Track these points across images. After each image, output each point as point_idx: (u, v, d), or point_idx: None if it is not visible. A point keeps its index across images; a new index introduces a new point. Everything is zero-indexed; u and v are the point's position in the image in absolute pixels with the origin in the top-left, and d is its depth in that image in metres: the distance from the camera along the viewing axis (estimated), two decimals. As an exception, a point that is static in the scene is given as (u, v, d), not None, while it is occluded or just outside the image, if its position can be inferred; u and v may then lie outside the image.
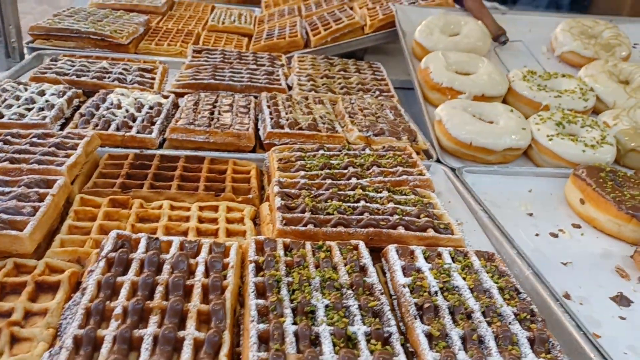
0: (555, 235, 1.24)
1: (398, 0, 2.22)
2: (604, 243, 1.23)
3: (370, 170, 1.24)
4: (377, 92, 1.77)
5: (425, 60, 1.73)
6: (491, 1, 4.41)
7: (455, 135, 1.49)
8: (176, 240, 0.91)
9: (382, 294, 0.84)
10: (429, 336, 0.77)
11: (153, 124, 1.41)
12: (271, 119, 1.47)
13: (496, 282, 0.89)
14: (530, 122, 1.56)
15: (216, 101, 1.56)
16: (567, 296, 1.03)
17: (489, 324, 0.80)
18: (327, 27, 2.17)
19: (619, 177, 1.35)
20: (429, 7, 2.07)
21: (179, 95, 1.65)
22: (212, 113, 1.47)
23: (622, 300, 1.03)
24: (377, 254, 0.99)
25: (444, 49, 1.78)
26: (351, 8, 2.38)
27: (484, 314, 0.82)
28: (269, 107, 1.55)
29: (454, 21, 1.90)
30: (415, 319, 0.79)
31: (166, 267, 0.84)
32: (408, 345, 0.78)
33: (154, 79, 1.71)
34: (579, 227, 1.29)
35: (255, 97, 1.66)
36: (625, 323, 0.98)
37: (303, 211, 1.04)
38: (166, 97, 1.58)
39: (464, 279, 0.89)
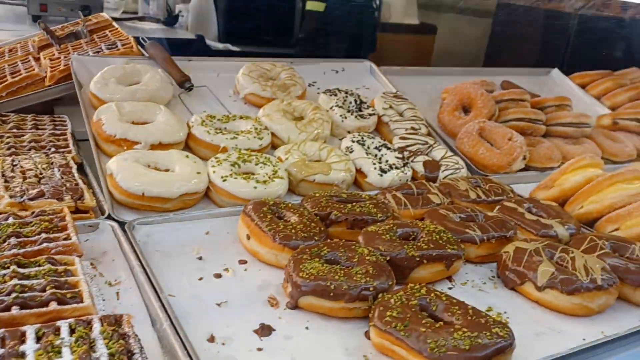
0: (219, 276, 1.27)
1: (85, 51, 2.12)
2: (264, 275, 1.30)
3: (6, 243, 1.12)
4: (53, 149, 1.65)
5: (97, 112, 1.67)
6: (224, 43, 4.60)
7: (127, 187, 1.44)
8: None
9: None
10: None
11: None
12: None
13: (110, 348, 0.85)
14: (208, 165, 1.60)
15: None
16: (211, 339, 1.05)
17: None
18: (3, 80, 1.97)
19: (281, 208, 1.46)
20: (113, 56, 2.02)
21: None
22: None
23: (263, 330, 1.09)
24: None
25: (121, 99, 1.74)
26: (38, 59, 2.21)
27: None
28: None
29: (133, 70, 1.88)
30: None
31: None
32: None
33: None
34: (245, 262, 1.34)
35: None
36: (261, 354, 1.03)
37: None
38: None
39: (74, 352, 0.83)
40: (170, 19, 4.56)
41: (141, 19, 4.58)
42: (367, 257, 1.24)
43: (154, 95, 1.81)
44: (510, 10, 4.86)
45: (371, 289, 1.14)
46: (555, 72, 2.95)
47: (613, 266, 1.33)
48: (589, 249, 1.40)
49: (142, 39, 2.12)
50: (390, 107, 2.14)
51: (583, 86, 2.84)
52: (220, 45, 4.46)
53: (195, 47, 4.22)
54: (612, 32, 4.01)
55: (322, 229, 1.40)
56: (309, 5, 3.75)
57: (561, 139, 2.25)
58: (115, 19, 4.34)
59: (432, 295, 1.13)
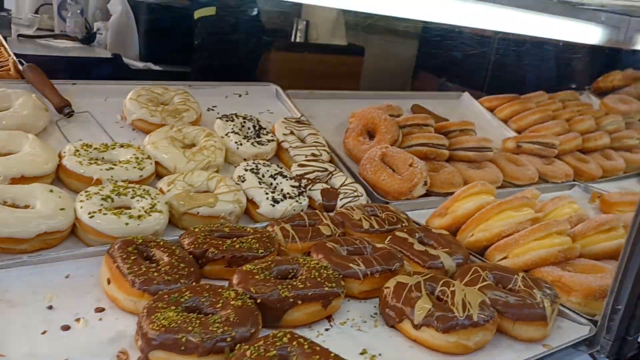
0: (67, 328, 1.14)
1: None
2: (121, 325, 1.17)
3: None
4: None
5: (-49, 143, 1.50)
6: (145, 62, 4.42)
7: (-27, 228, 1.29)
8: None
9: None
10: None
11: None
12: None
13: None
14: (76, 200, 1.47)
15: None
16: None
17: None
18: None
19: (151, 247, 1.35)
20: (-15, 79, 1.86)
21: None
22: None
23: (100, 393, 0.97)
24: None
25: (-15, 128, 1.59)
26: None
27: None
28: None
29: (3, 95, 1.72)
30: None
31: None
32: None
33: None
34: (102, 310, 1.21)
35: None
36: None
37: None
38: None
39: None
40: (88, 37, 4.37)
41: (56, 36, 4.36)
42: (232, 302, 1.15)
43: (25, 122, 1.66)
44: (436, 33, 4.96)
45: (228, 339, 1.05)
46: (466, 96, 2.99)
47: (493, 299, 1.30)
48: (472, 280, 1.37)
49: (20, 61, 1.97)
50: (292, 132, 2.08)
51: (491, 109, 2.89)
52: (141, 64, 4.29)
53: (112, 66, 4.05)
54: (529, 56, 4.15)
55: (193, 269, 1.30)
56: (199, 13, 3.62)
57: (464, 163, 2.25)
58: (27, 37, 4.11)
59: (295, 343, 1.05)
